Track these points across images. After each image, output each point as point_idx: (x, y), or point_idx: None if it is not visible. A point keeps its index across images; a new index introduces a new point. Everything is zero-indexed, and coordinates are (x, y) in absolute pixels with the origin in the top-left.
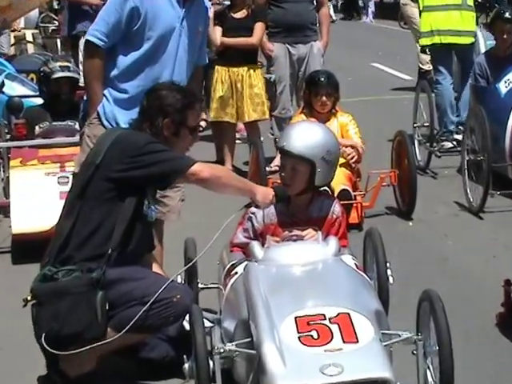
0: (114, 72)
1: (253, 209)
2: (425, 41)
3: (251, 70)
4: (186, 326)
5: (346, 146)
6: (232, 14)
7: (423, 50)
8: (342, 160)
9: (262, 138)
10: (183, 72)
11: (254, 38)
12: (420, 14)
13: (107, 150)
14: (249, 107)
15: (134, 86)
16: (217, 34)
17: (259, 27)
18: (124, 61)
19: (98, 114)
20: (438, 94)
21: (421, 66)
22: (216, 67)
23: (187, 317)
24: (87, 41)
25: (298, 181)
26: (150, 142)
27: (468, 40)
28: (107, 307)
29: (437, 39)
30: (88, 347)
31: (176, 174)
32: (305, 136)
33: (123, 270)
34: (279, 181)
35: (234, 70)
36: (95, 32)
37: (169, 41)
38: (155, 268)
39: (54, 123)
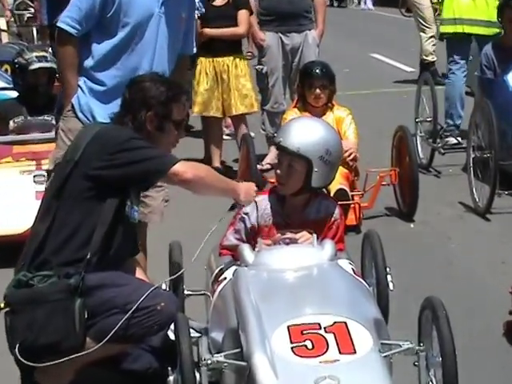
0: (89, 61)
1: (246, 209)
2: (446, 28)
3: (237, 60)
4: (171, 335)
5: None
6: (211, 2)
7: (442, 38)
8: None
9: (252, 134)
10: (164, 62)
11: (240, 27)
12: (442, 0)
13: (86, 146)
14: (236, 100)
15: (110, 77)
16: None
17: (244, 15)
18: (99, 49)
19: (73, 106)
20: (450, 84)
21: (424, 57)
22: (199, 58)
23: (172, 326)
24: (59, 28)
25: (294, 179)
26: (132, 137)
27: (493, 31)
28: (86, 315)
29: (459, 28)
30: (65, 358)
31: (157, 174)
32: (303, 132)
33: (104, 275)
34: (272, 179)
35: (219, 61)
36: (67, 19)
37: (146, 28)
38: (139, 273)
39: (30, 118)
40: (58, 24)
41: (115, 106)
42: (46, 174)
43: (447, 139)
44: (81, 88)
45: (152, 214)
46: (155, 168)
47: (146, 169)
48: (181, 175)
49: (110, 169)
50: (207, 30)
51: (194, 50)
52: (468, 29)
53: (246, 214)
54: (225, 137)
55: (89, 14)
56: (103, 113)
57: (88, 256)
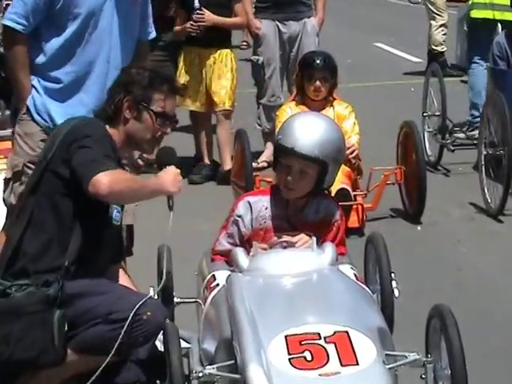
0: (41, 59)
1: (239, 211)
2: (477, 13)
3: (224, 53)
4: (159, 346)
5: None
6: None
7: (470, 24)
8: None
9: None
10: (123, 51)
11: (240, 17)
12: None
13: (59, 143)
14: (219, 95)
15: (65, 73)
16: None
17: (240, 6)
18: (50, 45)
19: (28, 108)
20: (473, 74)
21: (433, 46)
22: (184, 48)
23: (160, 336)
24: (5, 26)
25: (305, 184)
26: (88, 135)
27: None
28: (67, 327)
29: (490, 14)
30: (44, 374)
31: (82, 181)
32: (317, 134)
33: (84, 283)
34: (268, 178)
35: (205, 52)
36: (12, 15)
37: (99, 16)
38: (123, 280)
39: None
40: (3, 22)
41: (74, 104)
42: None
43: (457, 135)
44: (35, 88)
45: (124, 216)
46: (82, 173)
47: (79, 173)
48: (95, 188)
49: (64, 165)
50: (211, 16)
51: (154, 34)
52: (498, 15)
53: (240, 216)
54: None
55: (35, 8)
56: (61, 112)
57: (66, 264)
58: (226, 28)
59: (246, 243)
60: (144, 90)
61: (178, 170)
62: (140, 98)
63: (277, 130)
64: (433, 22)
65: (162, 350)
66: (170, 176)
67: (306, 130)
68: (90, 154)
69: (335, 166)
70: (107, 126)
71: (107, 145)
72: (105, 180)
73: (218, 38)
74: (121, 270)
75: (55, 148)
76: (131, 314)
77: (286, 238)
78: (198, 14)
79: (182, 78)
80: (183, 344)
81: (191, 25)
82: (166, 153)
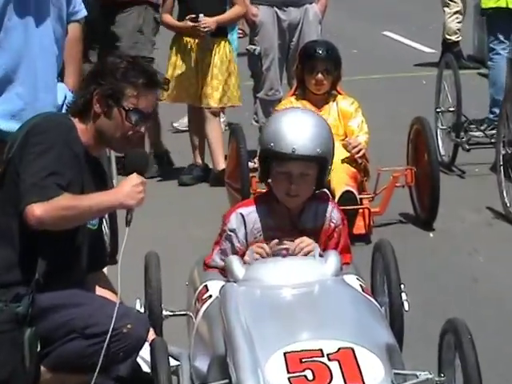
0: None
1: (232, 224)
2: (487, 3)
3: (222, 43)
4: (142, 363)
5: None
6: None
7: (483, 13)
8: (344, 154)
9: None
10: (50, 34)
11: (237, 6)
12: None
13: (19, 141)
14: (213, 90)
15: None
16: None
17: None
18: None
19: None
20: (494, 67)
21: (447, 36)
22: (176, 37)
23: (143, 352)
24: None
25: (308, 187)
26: (42, 141)
27: None
28: (40, 344)
29: (502, 2)
30: None
31: (19, 203)
32: (311, 130)
33: (58, 295)
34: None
35: (200, 43)
36: None
37: (18, 0)
38: (104, 291)
39: None
40: None
41: (10, 98)
42: None
43: (473, 133)
44: None
45: None
46: (21, 193)
47: (20, 188)
48: (27, 217)
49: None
50: (213, 20)
51: (84, 12)
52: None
53: (233, 230)
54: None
55: None
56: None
57: (36, 276)
58: (227, 22)
59: (241, 259)
60: (116, 82)
61: (141, 179)
62: (109, 92)
63: (263, 135)
64: (446, 9)
65: (145, 367)
66: (127, 187)
67: (301, 130)
68: (35, 168)
69: (331, 160)
70: (77, 121)
71: (64, 150)
72: (37, 212)
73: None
74: (101, 279)
75: (15, 147)
76: (110, 328)
77: (286, 244)
78: (202, 24)
79: (177, 69)
80: (172, 361)
81: (199, 33)
82: (134, 157)
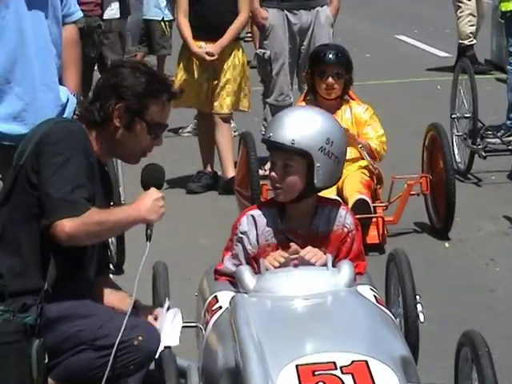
0: None
1: (243, 227)
2: (506, 6)
3: (234, 48)
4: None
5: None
6: None
7: (503, 16)
8: (357, 161)
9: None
10: (45, 33)
11: (242, 14)
12: None
13: (32, 148)
14: (225, 95)
15: None
16: (182, 3)
17: None
18: None
19: None
20: None
21: (460, 40)
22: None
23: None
24: None
25: (292, 181)
26: (62, 151)
27: None
28: (47, 355)
29: None
30: None
31: (44, 217)
32: (296, 121)
33: (67, 305)
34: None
35: (209, 46)
36: None
37: None
38: (111, 297)
39: None
40: None
41: (10, 101)
42: None
43: (489, 139)
44: None
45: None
46: (47, 208)
47: (44, 202)
48: (56, 233)
49: (34, 175)
50: (218, 46)
51: (80, 14)
52: None
53: (244, 233)
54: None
55: None
56: (0, 114)
57: (45, 287)
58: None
59: (252, 262)
60: (139, 97)
61: (161, 194)
62: (134, 107)
63: None
64: (458, 12)
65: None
66: (148, 201)
67: (285, 119)
68: (59, 182)
69: (327, 159)
70: (89, 130)
71: (82, 160)
72: (68, 228)
73: (223, 29)
74: (106, 284)
75: (27, 154)
76: (117, 340)
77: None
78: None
79: (188, 75)
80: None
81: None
82: (151, 171)
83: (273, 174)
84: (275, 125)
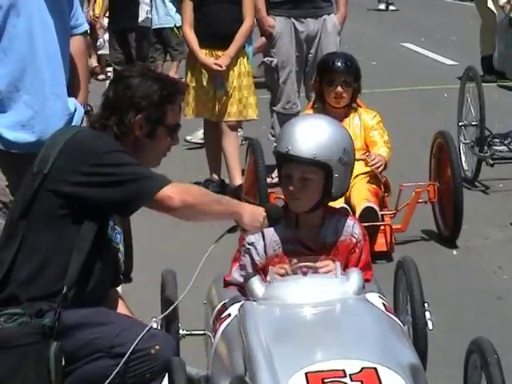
0: None
1: (250, 238)
2: None
3: (240, 56)
4: None
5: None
6: None
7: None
8: (365, 169)
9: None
10: (55, 43)
11: (246, 21)
12: None
13: (58, 155)
14: (233, 104)
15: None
16: (187, 10)
17: (248, 3)
18: None
19: None
20: None
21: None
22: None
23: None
24: None
25: (311, 193)
26: (114, 150)
27: None
28: (64, 361)
29: None
30: None
31: (141, 200)
32: (314, 133)
33: (83, 312)
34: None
35: (220, 55)
36: None
37: (21, 6)
38: (121, 308)
39: None
40: None
41: (19, 109)
42: None
43: (497, 147)
44: None
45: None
46: (140, 192)
47: (129, 191)
48: (165, 201)
49: (86, 187)
50: (226, 58)
51: (86, 26)
52: None
53: (251, 244)
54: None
55: None
56: (9, 122)
57: (64, 290)
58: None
59: (260, 273)
60: (157, 106)
61: (265, 214)
62: (154, 116)
63: None
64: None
65: None
66: (253, 209)
67: (302, 131)
68: (135, 169)
69: (344, 169)
70: None
71: (127, 155)
72: (174, 194)
73: (228, 37)
74: (116, 294)
75: (52, 163)
76: (131, 347)
77: (307, 261)
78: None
79: (197, 84)
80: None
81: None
82: (271, 208)
83: (291, 188)
84: (292, 138)
